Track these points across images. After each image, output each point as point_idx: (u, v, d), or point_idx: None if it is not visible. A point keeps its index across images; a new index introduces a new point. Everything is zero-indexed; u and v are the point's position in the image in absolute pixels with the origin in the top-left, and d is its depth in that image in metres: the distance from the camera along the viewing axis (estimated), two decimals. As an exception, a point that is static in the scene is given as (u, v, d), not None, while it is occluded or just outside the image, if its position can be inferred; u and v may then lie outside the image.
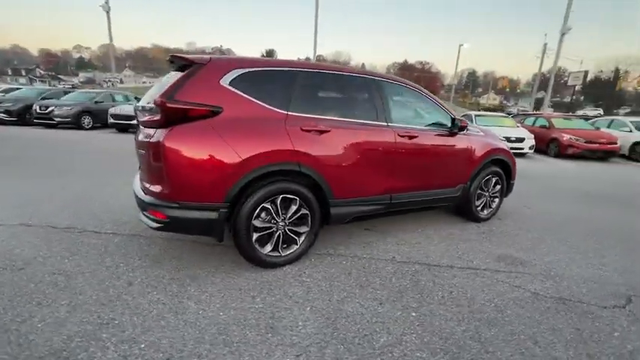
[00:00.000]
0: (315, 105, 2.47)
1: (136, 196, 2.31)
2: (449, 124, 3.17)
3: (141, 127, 2.31)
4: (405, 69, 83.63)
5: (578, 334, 1.87)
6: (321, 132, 2.38)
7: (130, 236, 2.83)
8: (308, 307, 1.99)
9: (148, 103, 2.29)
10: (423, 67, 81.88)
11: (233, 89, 2.15)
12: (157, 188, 2.06)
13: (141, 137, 2.24)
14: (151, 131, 2.08)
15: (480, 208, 3.59)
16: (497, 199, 3.74)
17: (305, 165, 2.30)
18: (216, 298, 2.02)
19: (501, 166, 3.64)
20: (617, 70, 61.39)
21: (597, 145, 9.64)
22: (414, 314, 1.98)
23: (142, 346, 1.59)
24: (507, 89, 73.19)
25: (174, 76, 2.29)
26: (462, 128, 3.10)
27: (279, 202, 2.28)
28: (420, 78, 74.10)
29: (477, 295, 2.22)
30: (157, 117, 1.99)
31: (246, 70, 2.22)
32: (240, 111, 2.15)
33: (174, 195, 2.01)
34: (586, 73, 31.49)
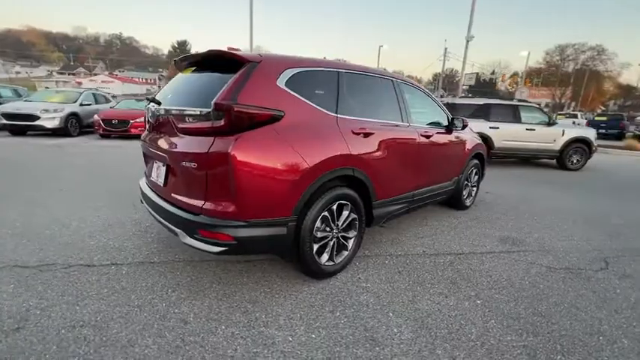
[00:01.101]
0: (356, 107, 2.42)
1: (172, 215, 1.93)
2: (446, 123, 3.45)
3: (178, 134, 1.93)
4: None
5: (596, 296, 2.29)
6: (367, 135, 2.36)
7: (138, 264, 2.35)
8: (389, 312, 1.98)
9: (178, 106, 1.93)
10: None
11: (290, 91, 1.96)
12: (217, 206, 1.76)
13: (178, 147, 1.88)
14: (203, 140, 1.76)
15: (465, 197, 4.02)
16: (475, 188, 4.24)
17: (357, 169, 2.26)
18: (295, 320, 1.85)
19: (479, 159, 4.13)
20: (494, 73, 74.37)
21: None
22: (479, 302, 2.14)
23: (258, 390, 1.38)
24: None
25: (208, 76, 1.99)
26: (465, 127, 3.42)
27: (335, 208, 2.19)
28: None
29: (511, 275, 2.51)
30: (219, 123, 1.70)
31: (299, 69, 2.05)
32: (300, 114, 1.98)
33: (244, 212, 1.75)
34: (477, 74, 37.41)
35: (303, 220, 1.99)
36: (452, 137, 3.47)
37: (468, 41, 16.42)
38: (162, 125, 2.08)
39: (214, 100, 1.70)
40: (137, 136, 9.56)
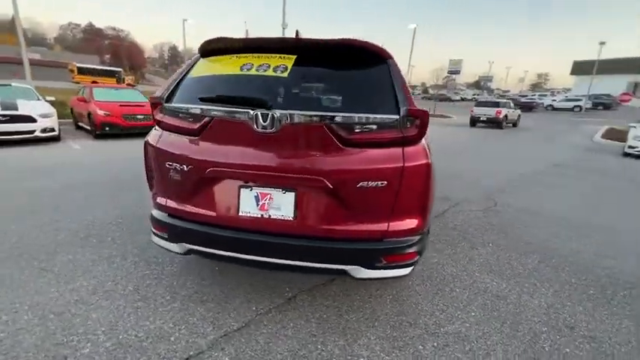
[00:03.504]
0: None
1: (333, 252, 1.48)
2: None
3: (343, 147, 1.44)
4: (91, 34, 67.37)
5: (521, 223, 3.40)
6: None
7: (236, 332, 1.40)
8: (478, 274, 2.23)
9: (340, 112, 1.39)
10: (117, 34, 69.31)
11: None
12: (403, 224, 1.52)
13: (349, 164, 1.44)
14: (388, 152, 1.45)
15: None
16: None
17: None
18: (443, 315, 1.77)
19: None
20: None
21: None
22: (493, 246, 2.76)
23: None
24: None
25: (339, 72, 1.61)
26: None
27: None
28: (116, 48, 63.14)
29: (480, 222, 3.30)
30: (411, 132, 1.45)
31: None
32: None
33: (425, 223, 1.59)
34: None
35: None
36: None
37: (284, 29, 17.66)
38: (286, 136, 1.43)
39: (406, 105, 1.45)
40: None
